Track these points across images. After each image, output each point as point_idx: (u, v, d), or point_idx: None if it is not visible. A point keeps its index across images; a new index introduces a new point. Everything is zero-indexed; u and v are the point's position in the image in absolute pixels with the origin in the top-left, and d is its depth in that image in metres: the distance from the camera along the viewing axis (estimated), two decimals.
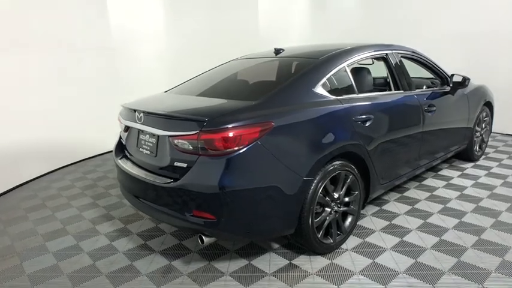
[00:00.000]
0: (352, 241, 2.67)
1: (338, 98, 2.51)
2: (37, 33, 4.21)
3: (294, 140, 2.19)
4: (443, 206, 3.19)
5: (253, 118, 2.06)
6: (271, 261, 2.46)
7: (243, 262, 2.47)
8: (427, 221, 2.93)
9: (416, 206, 3.21)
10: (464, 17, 5.49)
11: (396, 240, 2.67)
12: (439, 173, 3.98)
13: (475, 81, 4.35)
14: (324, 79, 2.50)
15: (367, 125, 2.60)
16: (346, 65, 2.70)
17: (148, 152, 2.38)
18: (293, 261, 2.45)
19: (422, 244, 2.60)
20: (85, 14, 4.77)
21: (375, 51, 3.03)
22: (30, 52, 4.14)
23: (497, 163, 4.22)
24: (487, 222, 2.86)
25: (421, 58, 3.47)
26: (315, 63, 2.59)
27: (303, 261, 2.45)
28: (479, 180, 3.72)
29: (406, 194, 3.46)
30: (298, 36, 7.30)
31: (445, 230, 2.78)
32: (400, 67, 3.15)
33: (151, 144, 2.36)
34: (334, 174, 2.39)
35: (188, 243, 2.73)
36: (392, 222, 2.93)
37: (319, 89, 2.45)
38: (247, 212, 2.08)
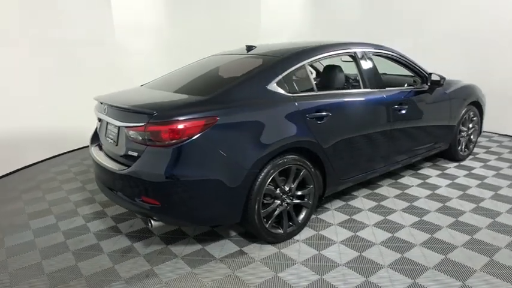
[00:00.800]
0: (306, 233, 2.79)
1: (292, 95, 2.61)
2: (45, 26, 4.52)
3: (240, 135, 2.32)
4: (409, 204, 3.23)
5: (198, 112, 2.21)
6: (223, 247, 2.62)
7: (197, 247, 2.64)
8: (387, 217, 3.00)
9: (383, 202, 3.26)
10: (465, 16, 5.36)
11: (349, 234, 2.75)
12: (419, 171, 3.98)
13: (474, 81, 4.30)
14: (280, 77, 2.60)
15: (322, 122, 2.69)
16: (306, 63, 2.78)
17: (112, 141, 2.59)
18: (243, 248, 2.60)
19: (373, 239, 2.67)
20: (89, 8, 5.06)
21: (342, 49, 3.09)
22: (40, 43, 4.46)
23: (482, 164, 4.17)
24: (445, 222, 2.89)
25: (398, 57, 3.48)
26: (273, 61, 2.70)
27: (252, 249, 2.59)
28: (456, 181, 3.70)
29: (377, 190, 3.51)
30: (298, 32, 7.33)
31: (401, 227, 2.84)
32: (370, 66, 3.19)
33: (114, 134, 2.56)
34: (284, 167, 2.50)
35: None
36: (352, 217, 3.01)
37: (273, 87, 2.55)
38: (189, 200, 2.24)
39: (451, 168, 4.06)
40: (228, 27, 6.45)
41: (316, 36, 7.08)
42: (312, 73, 3.86)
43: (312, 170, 2.69)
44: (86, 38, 5.06)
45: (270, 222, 2.54)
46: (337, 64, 3.26)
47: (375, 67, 3.22)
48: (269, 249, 2.58)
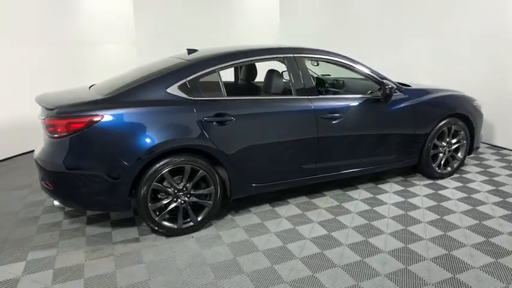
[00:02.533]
0: (207, 231, 2.91)
1: (194, 99, 2.74)
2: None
3: (125, 133, 2.56)
4: (332, 217, 3.10)
5: (86, 111, 2.51)
6: (116, 233, 2.88)
7: (102, 230, 2.94)
8: (296, 227, 2.94)
9: (308, 212, 3.18)
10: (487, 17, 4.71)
11: (241, 237, 2.80)
12: (380, 185, 3.73)
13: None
14: (183, 81, 2.76)
15: (224, 126, 2.77)
16: (218, 69, 2.88)
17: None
18: (129, 237, 2.82)
19: (255, 247, 2.66)
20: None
21: (266, 55, 3.10)
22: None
23: (459, 185, 3.71)
24: (351, 240, 2.75)
25: (344, 63, 3.34)
26: (180, 66, 2.85)
27: (142, 238, 2.82)
28: (410, 200, 3.40)
29: (314, 200, 3.42)
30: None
31: (302, 237, 2.79)
32: (299, 72, 3.12)
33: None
34: (175, 166, 2.67)
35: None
36: (263, 223, 3.03)
37: (174, 90, 2.73)
38: (75, 187, 2.57)
39: (418, 186, 3.70)
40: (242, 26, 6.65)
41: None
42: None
43: (213, 171, 2.80)
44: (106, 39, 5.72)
45: (161, 215, 2.73)
46: (279, 69, 3.28)
47: (306, 73, 3.15)
48: (158, 242, 2.78)
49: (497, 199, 3.37)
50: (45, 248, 2.70)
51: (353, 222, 3.01)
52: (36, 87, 3.58)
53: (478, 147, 4.10)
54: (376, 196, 3.48)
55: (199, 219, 2.86)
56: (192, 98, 2.75)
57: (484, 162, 4.35)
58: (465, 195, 3.48)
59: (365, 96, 3.35)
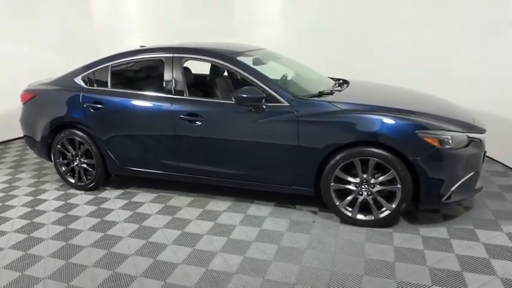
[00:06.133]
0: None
1: (87, 87, 3.51)
2: None
3: (42, 107, 3.67)
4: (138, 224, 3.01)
5: (34, 90, 3.77)
6: None
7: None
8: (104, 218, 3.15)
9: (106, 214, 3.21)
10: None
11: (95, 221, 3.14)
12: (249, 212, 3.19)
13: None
14: (85, 73, 3.55)
15: (97, 112, 3.40)
16: (110, 65, 3.47)
17: None
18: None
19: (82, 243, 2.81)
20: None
21: (148, 54, 3.39)
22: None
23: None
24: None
25: (229, 68, 3.14)
26: (97, 62, 3.58)
27: None
28: (263, 227, 2.82)
29: (139, 210, 3.28)
30: None
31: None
32: (173, 72, 3.21)
33: None
34: (69, 137, 3.58)
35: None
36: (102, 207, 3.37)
37: (78, 80, 3.57)
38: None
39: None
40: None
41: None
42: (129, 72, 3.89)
43: (91, 145, 3.49)
44: None
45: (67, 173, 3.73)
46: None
47: (179, 74, 3.20)
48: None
49: None
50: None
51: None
52: None
53: (449, 199, 2.67)
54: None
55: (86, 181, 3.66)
56: (85, 87, 3.51)
57: None
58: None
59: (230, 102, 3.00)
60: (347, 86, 3.44)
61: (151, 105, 3.25)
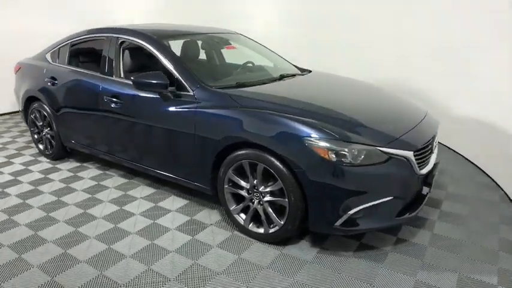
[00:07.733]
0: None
1: (51, 64, 3.73)
2: None
3: (22, 80, 4.02)
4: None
5: (20, 62, 4.15)
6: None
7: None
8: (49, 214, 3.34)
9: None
10: None
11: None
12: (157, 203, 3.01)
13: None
14: (51, 50, 3.79)
15: (53, 86, 3.60)
16: (69, 43, 3.62)
17: None
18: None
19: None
20: None
21: (97, 34, 3.42)
22: None
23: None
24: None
25: (154, 52, 2.95)
26: (63, 39, 3.77)
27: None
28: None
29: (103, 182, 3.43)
30: None
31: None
32: (109, 52, 3.19)
33: None
34: (35, 109, 3.87)
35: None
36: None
37: (48, 56, 3.82)
38: None
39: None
40: None
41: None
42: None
43: (52, 120, 3.71)
44: None
45: (39, 141, 4.06)
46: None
47: (117, 54, 3.17)
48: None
49: None
50: None
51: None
52: None
53: (348, 225, 2.19)
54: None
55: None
56: (50, 63, 3.73)
57: None
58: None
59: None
60: (292, 77, 3.11)
61: (89, 84, 3.30)
